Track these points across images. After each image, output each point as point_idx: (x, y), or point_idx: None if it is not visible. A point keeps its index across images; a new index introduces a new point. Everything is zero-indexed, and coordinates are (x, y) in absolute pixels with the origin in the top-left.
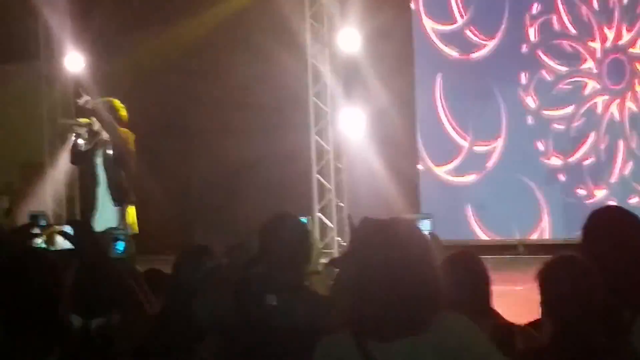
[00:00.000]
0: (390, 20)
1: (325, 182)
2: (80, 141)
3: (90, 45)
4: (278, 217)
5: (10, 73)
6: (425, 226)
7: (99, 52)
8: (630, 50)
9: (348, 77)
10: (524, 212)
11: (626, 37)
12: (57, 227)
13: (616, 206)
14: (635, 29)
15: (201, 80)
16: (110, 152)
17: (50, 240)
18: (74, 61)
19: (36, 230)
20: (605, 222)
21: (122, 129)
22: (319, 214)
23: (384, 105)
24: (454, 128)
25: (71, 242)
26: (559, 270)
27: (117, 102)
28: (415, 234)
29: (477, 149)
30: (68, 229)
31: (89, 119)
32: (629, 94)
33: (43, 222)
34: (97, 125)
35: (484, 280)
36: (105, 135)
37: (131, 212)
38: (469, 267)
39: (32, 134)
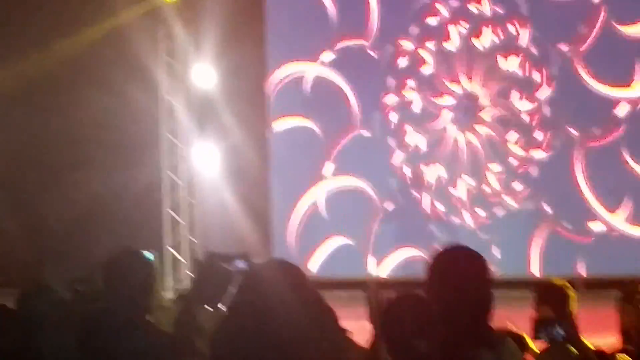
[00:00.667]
0: (245, 56)
1: (178, 218)
2: None
3: None
4: (121, 252)
5: None
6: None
7: None
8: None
9: (202, 113)
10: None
11: None
12: None
13: (460, 245)
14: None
15: (54, 115)
16: None
17: None
18: None
19: None
20: (446, 263)
21: None
22: (171, 249)
23: (237, 140)
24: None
25: None
26: (401, 309)
27: None
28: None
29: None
30: None
31: None
32: None
33: None
34: None
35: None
36: None
37: None
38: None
39: None
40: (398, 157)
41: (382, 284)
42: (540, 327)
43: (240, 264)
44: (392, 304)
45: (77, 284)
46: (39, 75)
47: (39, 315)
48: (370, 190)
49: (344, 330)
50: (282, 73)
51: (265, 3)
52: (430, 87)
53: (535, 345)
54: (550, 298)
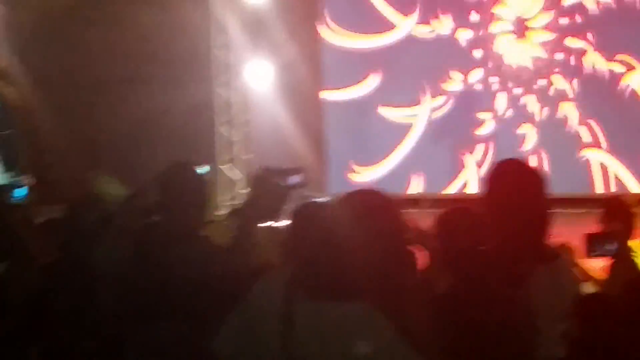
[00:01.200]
0: None
1: (231, 135)
2: None
3: None
4: (174, 165)
5: None
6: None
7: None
8: None
9: (254, 28)
10: (431, 170)
11: None
12: None
13: (516, 159)
14: None
15: (106, 30)
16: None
17: None
18: None
19: None
20: (506, 175)
21: (10, 88)
22: (224, 167)
23: (290, 56)
24: None
25: None
26: (452, 222)
27: None
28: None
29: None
30: None
31: None
32: None
33: None
34: None
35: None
36: None
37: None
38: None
39: None
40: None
41: (435, 201)
42: (595, 243)
43: (295, 179)
44: (443, 217)
45: (131, 197)
46: None
47: (87, 227)
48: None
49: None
50: None
51: None
52: None
53: (588, 262)
54: (617, 215)
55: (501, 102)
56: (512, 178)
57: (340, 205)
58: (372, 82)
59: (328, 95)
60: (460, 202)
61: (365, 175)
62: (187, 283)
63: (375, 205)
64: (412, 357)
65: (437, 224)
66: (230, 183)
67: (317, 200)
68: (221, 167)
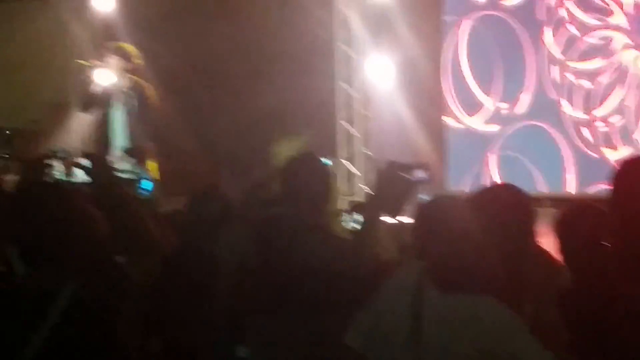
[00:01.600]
0: None
1: (352, 130)
2: (95, 86)
3: None
4: (300, 157)
5: (37, 9)
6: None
7: None
8: None
9: (376, 24)
10: (548, 166)
11: None
12: (74, 159)
13: None
14: None
15: (227, 25)
16: (131, 104)
17: (67, 173)
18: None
19: (51, 162)
20: (635, 172)
21: (140, 79)
22: (346, 161)
23: (412, 52)
24: (477, 80)
25: (88, 174)
26: (574, 218)
27: (131, 48)
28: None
29: (501, 104)
30: (85, 161)
31: (107, 62)
32: None
33: (62, 155)
34: (115, 69)
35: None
36: (125, 82)
37: (152, 167)
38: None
39: (59, 72)
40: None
41: (562, 200)
42: None
43: (421, 174)
44: (568, 213)
45: (254, 188)
46: None
47: (210, 218)
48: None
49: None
50: None
51: None
52: None
53: None
54: None
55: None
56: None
57: (477, 200)
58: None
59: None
60: (583, 200)
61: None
62: (311, 276)
63: (512, 201)
64: (537, 350)
65: (561, 220)
66: (350, 177)
67: (449, 194)
68: (342, 161)
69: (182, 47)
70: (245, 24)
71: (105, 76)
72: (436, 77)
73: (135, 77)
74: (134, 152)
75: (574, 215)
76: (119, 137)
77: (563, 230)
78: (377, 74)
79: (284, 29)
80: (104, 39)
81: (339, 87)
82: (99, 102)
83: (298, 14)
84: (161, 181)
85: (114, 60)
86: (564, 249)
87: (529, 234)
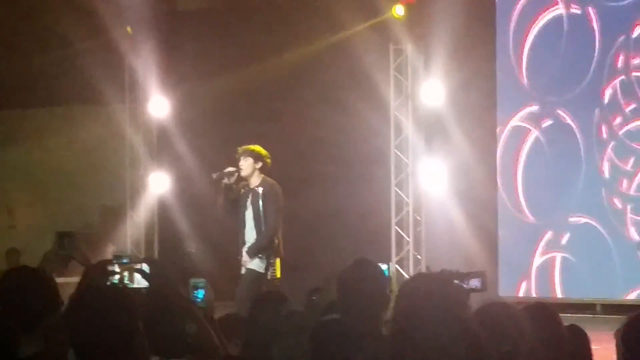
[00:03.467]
0: (474, 72)
1: (403, 234)
2: (232, 189)
3: (174, 90)
4: (358, 263)
5: (95, 115)
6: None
7: (182, 97)
8: None
9: (430, 130)
10: (605, 272)
11: None
12: (135, 265)
13: None
14: None
15: (282, 130)
16: (261, 205)
17: (128, 278)
18: (158, 105)
19: (114, 268)
20: None
21: (270, 179)
22: (396, 266)
23: (465, 158)
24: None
25: (148, 280)
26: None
27: (263, 150)
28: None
29: (556, 205)
30: (145, 267)
31: (237, 166)
32: None
33: (124, 260)
34: (246, 171)
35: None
36: (254, 181)
37: (277, 263)
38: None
39: (115, 176)
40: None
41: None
42: None
43: (475, 282)
44: (631, 323)
45: (312, 293)
46: (271, 90)
47: (272, 325)
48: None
49: None
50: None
51: (496, 18)
52: None
53: None
54: None
55: None
56: None
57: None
58: None
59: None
60: None
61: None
62: None
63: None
64: None
65: (624, 330)
66: (400, 281)
67: (502, 300)
68: (396, 265)
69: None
70: (301, 129)
71: (239, 178)
72: (490, 181)
73: (265, 177)
74: (267, 254)
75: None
76: (251, 235)
77: (628, 340)
78: (429, 178)
79: (341, 134)
80: (157, 143)
81: (394, 191)
82: (236, 205)
83: (354, 120)
84: (217, 284)
85: (247, 162)
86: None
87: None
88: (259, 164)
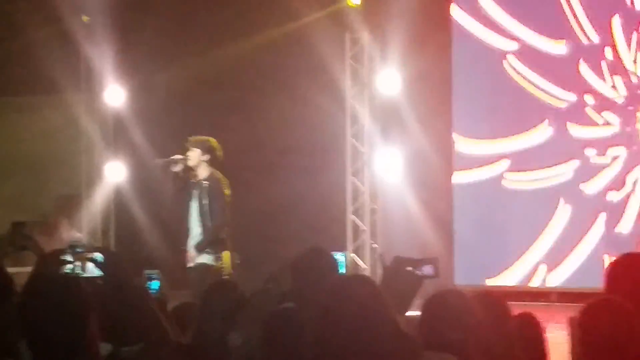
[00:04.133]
0: (430, 62)
1: (359, 223)
2: (178, 179)
3: (130, 78)
4: (311, 251)
5: (49, 104)
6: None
7: (138, 86)
8: None
9: (386, 119)
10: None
11: None
12: (88, 254)
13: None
14: None
15: (237, 119)
16: (206, 200)
17: (81, 267)
18: (114, 94)
19: (67, 257)
20: (626, 269)
21: (218, 172)
22: (353, 254)
23: (421, 147)
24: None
25: (101, 269)
26: (598, 315)
27: (213, 141)
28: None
29: None
30: (99, 256)
31: (185, 155)
32: None
33: (79, 250)
34: (193, 161)
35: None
36: (201, 173)
37: (225, 257)
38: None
39: (70, 166)
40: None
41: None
42: None
43: (428, 269)
44: (589, 312)
45: (267, 282)
46: (225, 78)
47: (221, 311)
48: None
49: None
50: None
51: (450, 6)
52: None
53: None
54: None
55: None
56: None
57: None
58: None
59: (457, 177)
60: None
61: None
62: None
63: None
64: None
65: (579, 318)
66: (357, 271)
67: (452, 289)
68: (352, 254)
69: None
70: (256, 117)
71: (187, 168)
72: (445, 170)
73: (214, 170)
74: (214, 249)
75: (594, 312)
76: (195, 227)
77: (584, 328)
78: (385, 167)
79: (295, 122)
80: (113, 132)
81: (349, 180)
82: (183, 194)
83: (310, 109)
84: (173, 275)
85: (194, 153)
86: (584, 346)
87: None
88: (206, 156)
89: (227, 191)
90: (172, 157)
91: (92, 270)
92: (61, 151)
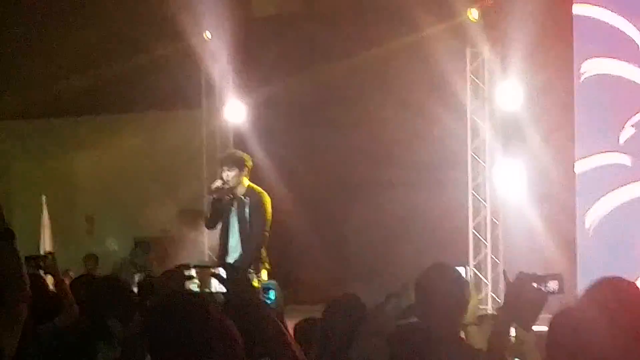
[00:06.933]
0: (552, 74)
1: (481, 237)
2: (215, 197)
3: (251, 95)
4: (436, 267)
5: (172, 120)
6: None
7: (259, 102)
8: None
9: (507, 133)
10: None
11: None
12: (212, 270)
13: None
14: None
15: (360, 134)
16: (247, 213)
17: (204, 283)
18: (235, 110)
19: (190, 273)
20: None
21: (255, 186)
22: (474, 269)
23: (543, 161)
24: None
25: (224, 285)
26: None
27: (243, 154)
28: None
29: None
30: (222, 272)
31: (222, 180)
32: None
33: (202, 265)
34: (233, 182)
35: None
36: (239, 190)
37: (264, 274)
38: None
39: (191, 181)
40: None
41: None
42: None
43: (554, 285)
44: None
45: (389, 298)
46: (346, 95)
47: (346, 327)
48: None
49: None
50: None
51: (573, 21)
52: None
53: None
54: None
55: None
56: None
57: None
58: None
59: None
60: None
61: None
62: None
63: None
64: None
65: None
66: (479, 285)
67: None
68: (473, 269)
69: (315, 157)
70: (376, 132)
71: (222, 185)
72: (568, 184)
73: (250, 184)
74: (254, 268)
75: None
76: (236, 244)
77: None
78: (507, 181)
79: (415, 137)
80: (236, 148)
81: (471, 194)
82: (219, 212)
83: (431, 124)
84: (286, 289)
85: (231, 172)
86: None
87: None
88: (245, 171)
89: (269, 206)
90: (216, 186)
91: (215, 286)
92: (183, 168)
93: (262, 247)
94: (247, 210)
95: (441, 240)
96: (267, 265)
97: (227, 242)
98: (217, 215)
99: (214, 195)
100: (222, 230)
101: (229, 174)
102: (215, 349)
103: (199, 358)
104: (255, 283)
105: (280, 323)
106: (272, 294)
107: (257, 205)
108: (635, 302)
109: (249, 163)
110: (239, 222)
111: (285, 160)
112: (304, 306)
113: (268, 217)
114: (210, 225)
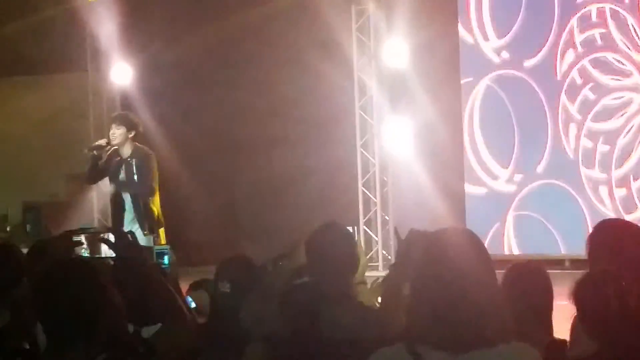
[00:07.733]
0: (437, 32)
1: (370, 195)
2: (98, 157)
3: (137, 57)
4: (326, 226)
5: (57, 83)
6: None
7: (146, 64)
8: None
9: (394, 90)
10: (569, 227)
11: None
12: (101, 235)
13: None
14: None
15: (246, 93)
16: (135, 175)
17: (93, 249)
18: (121, 73)
19: (79, 238)
20: (609, 235)
21: (144, 147)
22: (364, 227)
23: (430, 117)
24: (492, 147)
25: (114, 250)
26: (592, 287)
27: (133, 116)
28: (469, 246)
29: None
30: (111, 237)
31: (107, 138)
32: None
33: (91, 231)
34: (118, 139)
35: (548, 293)
36: (125, 151)
37: (161, 234)
38: (534, 278)
39: (78, 145)
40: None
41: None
42: None
43: None
44: (586, 282)
45: (279, 259)
46: (228, 49)
47: (235, 287)
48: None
49: None
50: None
51: None
52: None
53: None
54: None
55: None
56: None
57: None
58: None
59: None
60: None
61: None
62: (337, 346)
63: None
64: None
65: (576, 291)
66: (368, 243)
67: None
68: (363, 227)
69: (202, 118)
70: (264, 90)
71: (105, 144)
72: (456, 141)
73: (139, 145)
74: (149, 227)
75: (588, 284)
76: (129, 206)
77: (580, 300)
78: (394, 138)
79: (303, 95)
80: (123, 110)
81: (359, 152)
82: (103, 173)
83: (318, 81)
84: (177, 251)
85: (121, 131)
86: (583, 317)
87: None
88: (132, 133)
89: (155, 165)
90: (97, 143)
91: (105, 251)
92: (69, 131)
93: (151, 197)
94: (134, 170)
95: (331, 197)
96: (162, 222)
97: (118, 203)
98: (95, 171)
99: (94, 152)
100: (112, 194)
101: (115, 132)
102: (101, 316)
103: (85, 325)
104: (162, 240)
105: (172, 289)
106: (166, 259)
107: (143, 162)
108: None
109: (140, 128)
110: (128, 181)
111: (173, 122)
112: (196, 268)
113: (155, 172)
114: (90, 182)
